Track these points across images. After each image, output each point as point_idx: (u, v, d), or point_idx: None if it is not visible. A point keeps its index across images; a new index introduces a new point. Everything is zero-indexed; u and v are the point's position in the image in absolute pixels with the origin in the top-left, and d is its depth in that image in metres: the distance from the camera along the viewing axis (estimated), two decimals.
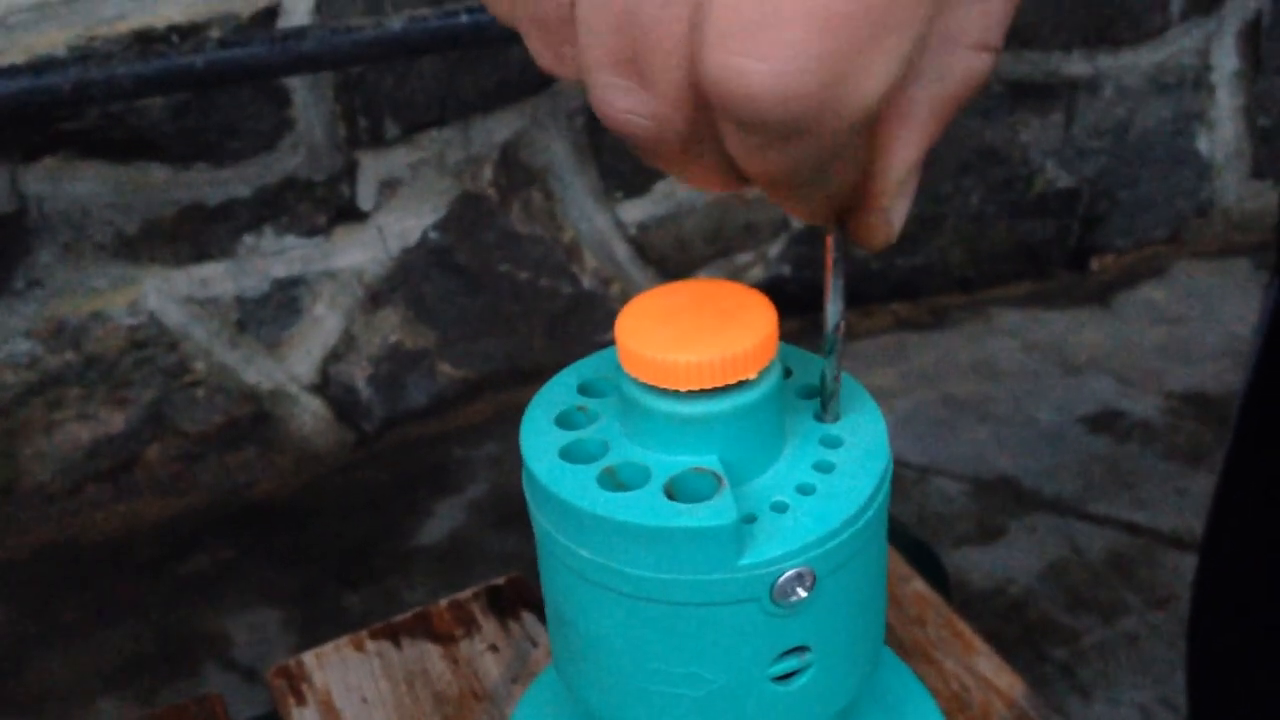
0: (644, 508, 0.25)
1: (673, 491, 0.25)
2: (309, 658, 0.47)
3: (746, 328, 0.25)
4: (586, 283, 1.43)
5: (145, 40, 1.16)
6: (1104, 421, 1.42)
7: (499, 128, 1.35)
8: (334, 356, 1.35)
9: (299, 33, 1.10)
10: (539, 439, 0.27)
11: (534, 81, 1.33)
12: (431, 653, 0.47)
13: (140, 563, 1.26)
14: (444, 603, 0.49)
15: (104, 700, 1.12)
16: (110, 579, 1.24)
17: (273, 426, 1.35)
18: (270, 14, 1.21)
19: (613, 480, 0.25)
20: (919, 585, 0.48)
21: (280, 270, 1.30)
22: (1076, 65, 1.55)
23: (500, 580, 0.50)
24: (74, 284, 1.24)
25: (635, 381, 0.25)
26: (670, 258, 1.46)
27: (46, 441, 1.28)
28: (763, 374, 0.25)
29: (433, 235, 1.35)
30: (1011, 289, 1.63)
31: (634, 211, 1.43)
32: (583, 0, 0.23)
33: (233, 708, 0.48)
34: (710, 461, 0.25)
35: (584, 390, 0.28)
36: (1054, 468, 1.35)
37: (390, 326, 1.36)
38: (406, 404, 1.39)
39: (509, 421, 1.42)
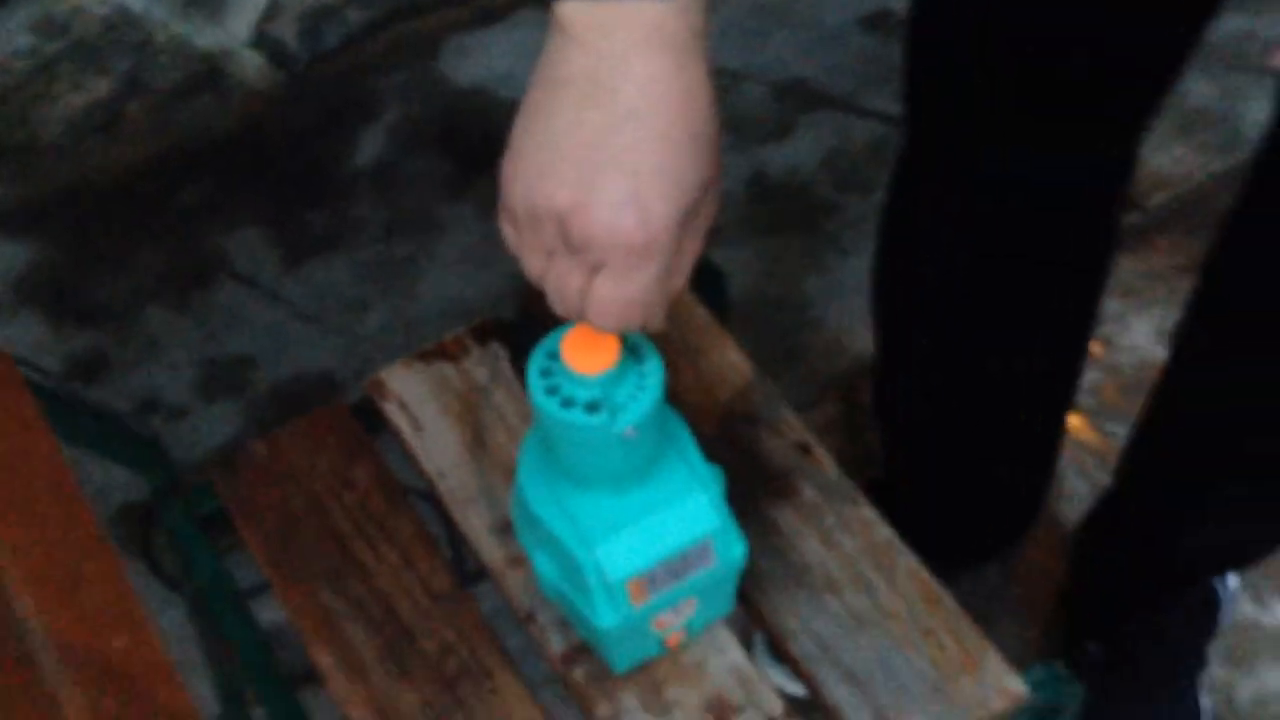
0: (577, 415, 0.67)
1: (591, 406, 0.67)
2: (387, 374, 0.91)
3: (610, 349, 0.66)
4: None
5: None
6: (876, 21, 1.81)
7: None
8: (266, 18, 1.68)
9: None
10: (533, 381, 0.68)
11: None
12: (449, 368, 0.91)
13: (141, 198, 1.65)
14: (449, 338, 0.92)
15: (151, 307, 1.55)
16: (123, 213, 1.63)
17: (223, 78, 1.70)
18: None
19: (563, 401, 0.67)
20: (701, 310, 0.92)
21: None
22: None
23: (478, 322, 0.93)
24: None
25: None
26: None
27: (51, 107, 1.63)
28: (617, 364, 0.67)
29: None
30: None
31: None
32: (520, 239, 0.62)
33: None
34: (597, 394, 0.67)
35: (550, 355, 0.69)
36: (835, 67, 1.76)
37: None
38: (325, 46, 1.74)
39: (411, 52, 1.77)
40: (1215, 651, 1.24)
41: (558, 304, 0.61)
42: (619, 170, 0.55)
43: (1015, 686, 0.78)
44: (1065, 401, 1.11)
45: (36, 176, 1.64)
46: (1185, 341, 1.00)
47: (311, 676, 0.84)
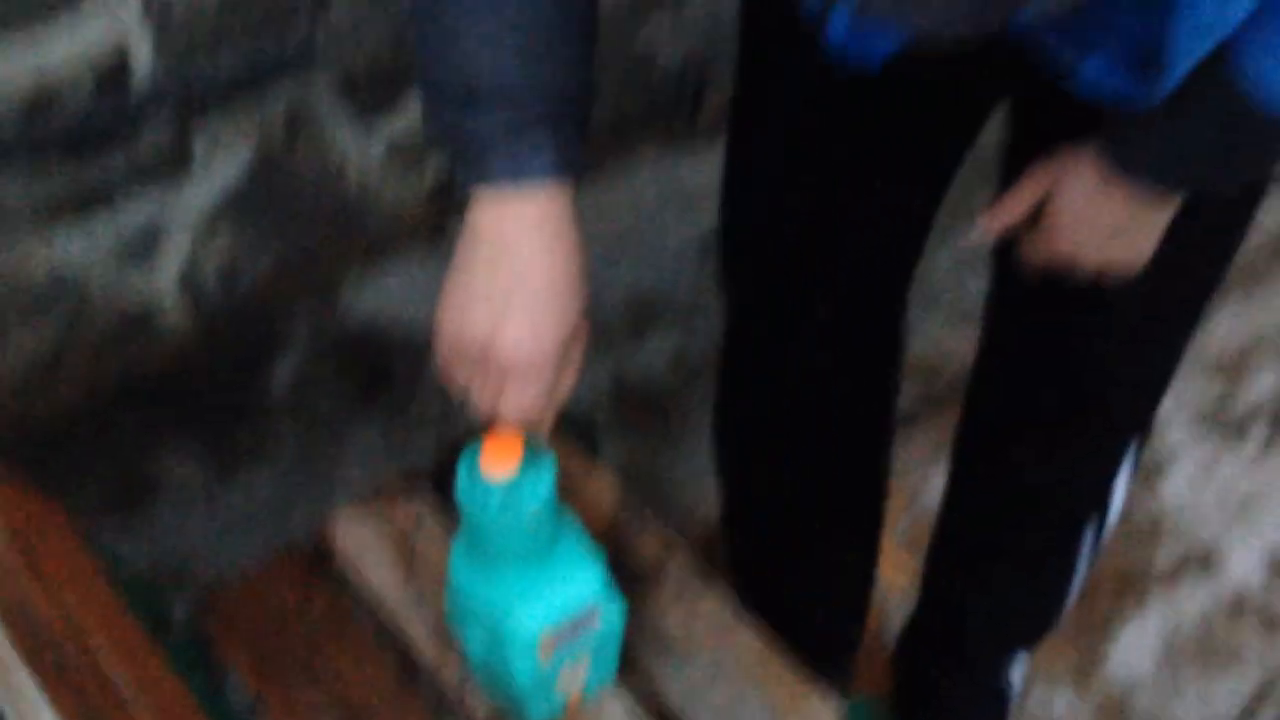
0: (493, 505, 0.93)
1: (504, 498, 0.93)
2: (333, 520, 1.15)
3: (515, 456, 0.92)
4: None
5: None
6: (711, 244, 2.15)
7: None
8: (188, 267, 1.96)
9: None
10: (460, 482, 0.93)
11: None
12: (386, 508, 1.16)
13: (81, 436, 1.87)
14: (384, 485, 1.17)
15: (97, 529, 1.76)
16: (63, 450, 1.85)
17: (150, 322, 1.95)
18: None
19: (481, 495, 0.93)
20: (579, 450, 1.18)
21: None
22: None
23: (406, 471, 1.18)
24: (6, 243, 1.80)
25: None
26: None
27: None
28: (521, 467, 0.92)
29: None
30: None
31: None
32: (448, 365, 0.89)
33: None
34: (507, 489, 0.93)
35: (471, 463, 0.94)
36: (677, 282, 2.08)
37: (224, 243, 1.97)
38: (239, 289, 2.01)
39: (314, 290, 2.05)
40: None
41: (479, 410, 0.88)
42: (519, 312, 0.83)
43: (832, 717, 1.04)
44: (877, 524, 1.40)
45: None
46: (952, 477, 1.31)
47: None
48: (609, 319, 2.01)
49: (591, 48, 0.84)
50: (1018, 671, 1.49)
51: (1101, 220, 0.97)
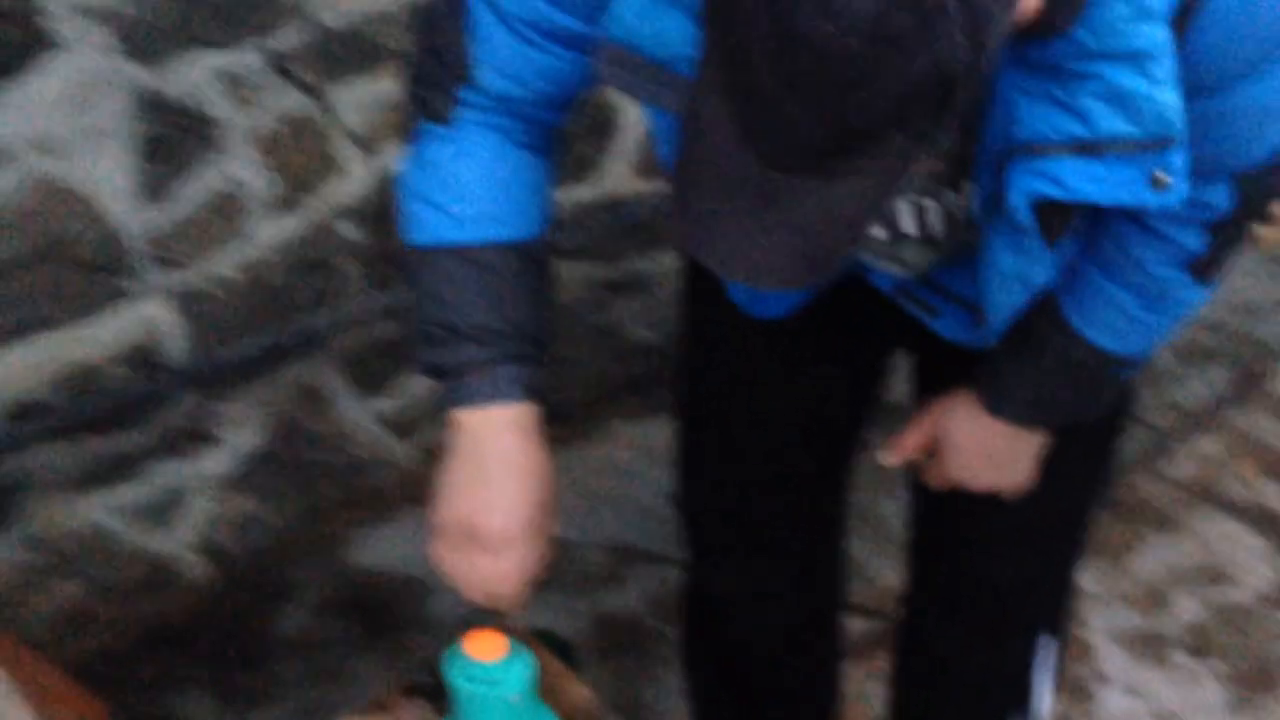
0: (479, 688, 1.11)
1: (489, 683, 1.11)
2: None
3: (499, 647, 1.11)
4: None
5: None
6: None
7: None
8: (207, 527, 2.16)
9: None
10: (451, 670, 1.12)
11: None
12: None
13: (111, 674, 2.04)
14: (385, 696, 1.35)
15: None
16: (95, 687, 2.02)
17: (171, 575, 2.14)
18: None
19: (468, 680, 1.11)
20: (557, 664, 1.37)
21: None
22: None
23: (406, 683, 1.36)
24: (46, 507, 2.00)
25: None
26: None
27: (35, 608, 2.04)
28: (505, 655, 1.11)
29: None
30: None
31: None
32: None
33: None
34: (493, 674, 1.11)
35: (459, 654, 1.13)
36: (650, 531, 2.29)
37: (239, 504, 2.18)
38: (253, 544, 2.21)
39: (323, 545, 2.25)
40: None
41: (463, 586, 1.07)
42: (495, 493, 1.05)
43: None
44: None
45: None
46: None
47: None
48: (590, 563, 2.21)
49: (547, 299, 1.07)
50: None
51: (982, 449, 1.18)
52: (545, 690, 1.33)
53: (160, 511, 2.12)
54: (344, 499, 2.29)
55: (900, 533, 1.48)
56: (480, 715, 1.11)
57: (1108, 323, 1.05)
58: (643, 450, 2.41)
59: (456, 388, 1.05)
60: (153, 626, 2.10)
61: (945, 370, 1.21)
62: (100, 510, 2.06)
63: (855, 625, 1.71)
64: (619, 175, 2.37)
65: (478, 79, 0.98)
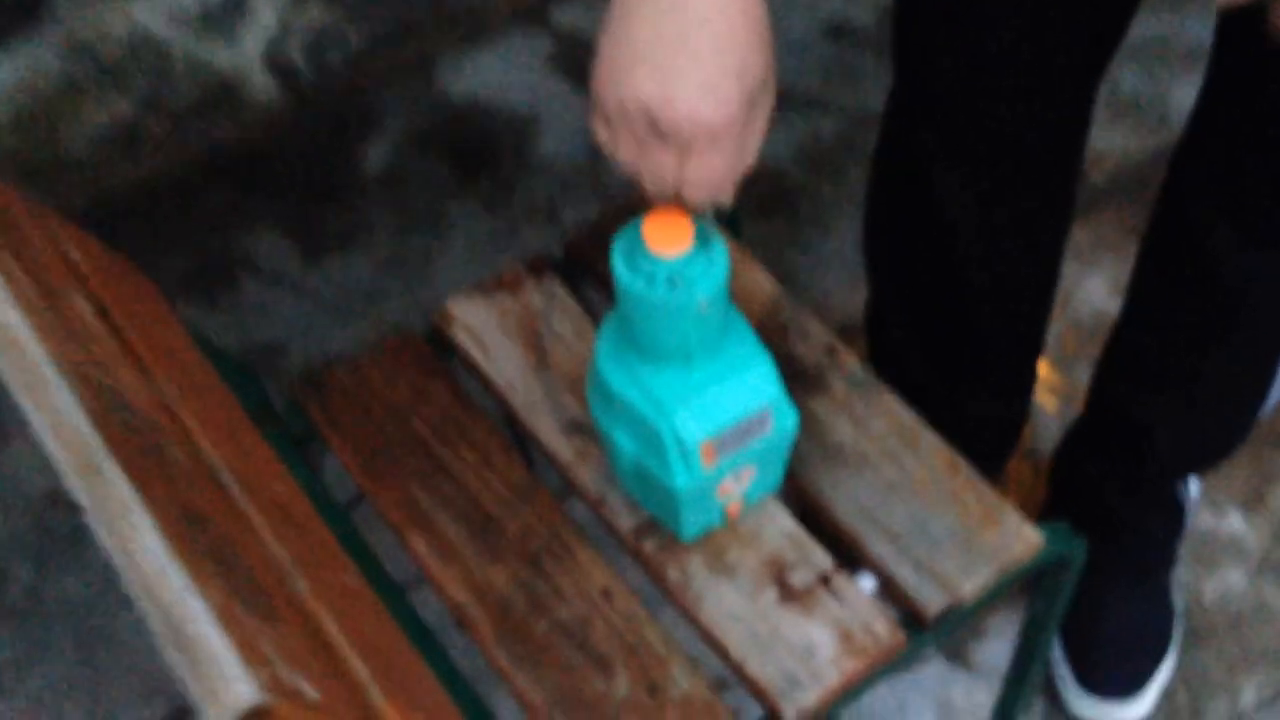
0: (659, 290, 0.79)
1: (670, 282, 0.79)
2: (452, 304, 1.02)
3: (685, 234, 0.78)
4: None
5: None
6: (837, 31, 1.96)
7: None
8: (275, 40, 1.80)
9: None
10: (618, 262, 0.80)
11: None
12: (508, 297, 1.03)
13: (164, 208, 1.75)
14: (506, 272, 1.04)
15: (180, 306, 1.65)
16: (147, 222, 1.74)
17: (236, 96, 1.81)
18: None
19: (645, 279, 0.79)
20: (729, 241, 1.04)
21: None
22: None
23: (530, 258, 1.04)
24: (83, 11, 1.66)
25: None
26: None
27: (77, 126, 1.73)
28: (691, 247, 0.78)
29: None
30: None
31: None
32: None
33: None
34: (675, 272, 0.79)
35: (632, 241, 0.80)
36: (802, 70, 1.90)
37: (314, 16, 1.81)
38: (329, 65, 1.86)
39: (409, 69, 1.90)
40: (1182, 554, 1.37)
41: (651, 187, 0.73)
42: (696, 67, 0.68)
43: (1033, 536, 0.90)
44: (1040, 330, 1.25)
45: (63, 191, 1.74)
46: (1137, 283, 1.15)
47: (412, 584, 0.95)
48: None
49: None
50: (1194, 485, 1.37)
51: None
52: None
53: (221, 19, 1.76)
54: (435, 14, 1.91)
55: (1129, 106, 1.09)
56: (656, 326, 0.80)
57: None
58: None
59: None
60: (215, 152, 1.79)
61: None
62: (149, 13, 1.71)
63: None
64: None
65: None
